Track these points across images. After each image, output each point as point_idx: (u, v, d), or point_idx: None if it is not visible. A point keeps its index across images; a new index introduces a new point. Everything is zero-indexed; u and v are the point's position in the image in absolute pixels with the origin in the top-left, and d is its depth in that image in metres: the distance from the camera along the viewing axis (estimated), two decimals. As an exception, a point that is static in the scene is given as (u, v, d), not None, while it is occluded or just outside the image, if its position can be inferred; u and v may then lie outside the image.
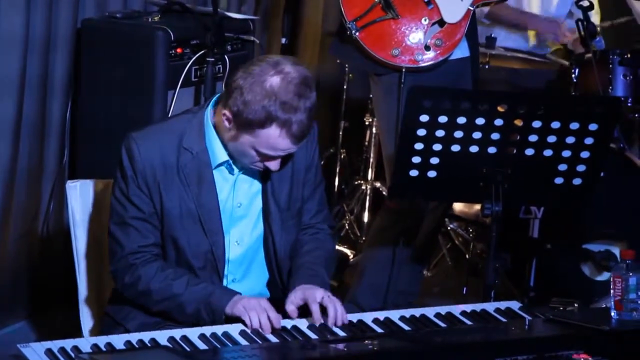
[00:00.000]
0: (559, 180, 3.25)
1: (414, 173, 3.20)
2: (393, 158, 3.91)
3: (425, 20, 3.80)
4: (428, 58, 3.80)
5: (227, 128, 2.76)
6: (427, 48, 3.80)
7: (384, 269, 4.05)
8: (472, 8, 3.83)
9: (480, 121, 3.12)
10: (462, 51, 3.93)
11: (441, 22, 3.81)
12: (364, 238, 5.07)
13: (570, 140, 3.18)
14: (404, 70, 3.80)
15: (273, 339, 2.62)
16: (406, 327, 2.72)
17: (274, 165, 2.79)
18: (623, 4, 4.92)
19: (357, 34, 3.78)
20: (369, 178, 5.28)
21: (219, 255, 2.85)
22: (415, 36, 3.79)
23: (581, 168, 3.23)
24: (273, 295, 2.94)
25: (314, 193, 2.99)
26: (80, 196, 3.04)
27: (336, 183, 5.39)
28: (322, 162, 4.27)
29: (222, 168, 2.85)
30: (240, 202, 2.88)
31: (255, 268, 2.94)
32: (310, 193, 2.98)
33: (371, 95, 5.10)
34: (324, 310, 2.71)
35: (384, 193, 5.14)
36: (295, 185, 2.92)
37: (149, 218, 2.82)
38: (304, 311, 2.74)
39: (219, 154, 2.83)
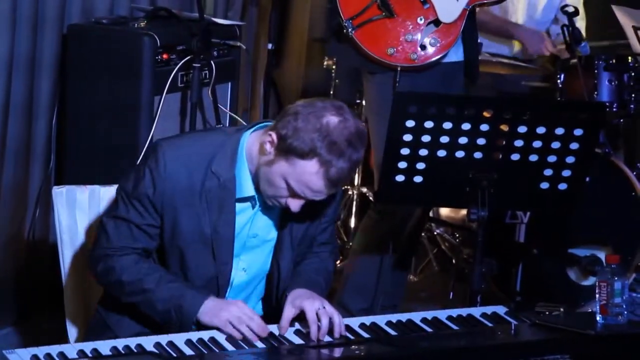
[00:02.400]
0: (544, 185, 3.26)
1: (400, 178, 3.20)
2: (380, 161, 3.93)
3: (421, 19, 3.81)
4: (423, 57, 3.81)
5: (267, 152, 2.67)
6: (423, 47, 3.81)
7: (371, 269, 4.05)
8: (467, 8, 3.84)
9: (466, 126, 3.13)
10: (456, 55, 3.94)
11: (437, 22, 3.82)
12: (351, 243, 5.07)
13: (555, 145, 3.19)
14: (399, 69, 3.81)
15: (260, 344, 2.62)
16: (393, 332, 2.72)
17: (295, 205, 2.68)
18: (612, 24, 4.93)
19: (353, 32, 3.79)
20: (356, 183, 5.29)
21: (222, 283, 2.80)
22: (411, 35, 3.80)
23: (567, 173, 3.24)
24: (266, 311, 2.92)
25: (326, 229, 2.94)
26: (66, 202, 3.03)
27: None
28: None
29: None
30: (256, 233, 2.82)
31: (256, 293, 2.91)
32: (323, 228, 2.92)
33: (359, 101, 5.12)
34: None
35: (371, 198, 5.15)
36: (312, 225, 2.87)
37: (145, 227, 2.76)
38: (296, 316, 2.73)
39: (246, 187, 2.75)
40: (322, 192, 2.67)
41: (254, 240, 2.83)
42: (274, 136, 2.66)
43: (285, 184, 2.66)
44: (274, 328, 2.70)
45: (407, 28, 3.81)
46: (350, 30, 3.79)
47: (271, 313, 2.84)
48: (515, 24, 5.05)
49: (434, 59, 3.83)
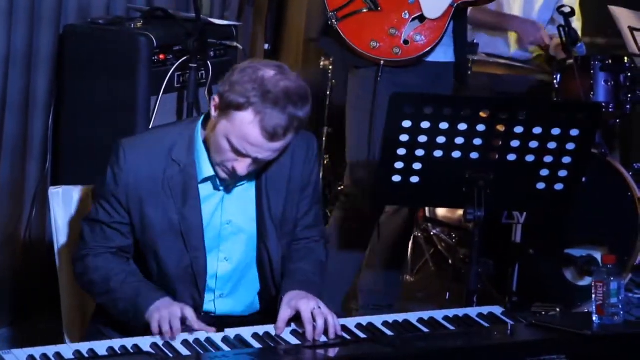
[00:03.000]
0: (541, 186, 3.27)
1: (396, 178, 3.20)
2: (357, 155, 3.90)
3: (405, 14, 3.80)
4: (406, 52, 3.80)
5: (212, 117, 2.69)
6: (406, 42, 3.80)
7: (341, 269, 4.01)
8: (453, 6, 3.83)
9: (462, 127, 3.13)
10: (445, 55, 3.93)
11: (421, 18, 3.82)
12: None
13: (552, 145, 3.19)
14: (382, 63, 3.79)
15: (256, 344, 2.62)
16: (389, 332, 2.72)
17: (241, 167, 2.67)
18: (607, 22, 4.94)
19: (337, 24, 3.78)
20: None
21: (198, 271, 2.80)
22: (395, 29, 3.80)
23: (563, 173, 3.25)
24: (264, 306, 2.91)
25: (309, 210, 2.93)
26: (62, 202, 3.03)
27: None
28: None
29: (208, 183, 2.79)
30: (229, 220, 2.82)
31: (245, 282, 2.89)
32: (306, 210, 2.91)
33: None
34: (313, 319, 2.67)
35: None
36: (289, 205, 2.86)
37: (115, 225, 2.78)
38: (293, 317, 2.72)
39: (205, 168, 2.76)
40: (262, 147, 2.63)
41: (229, 228, 2.82)
42: (216, 98, 2.67)
43: (228, 143, 2.65)
44: (270, 328, 2.70)
45: (392, 22, 3.80)
46: (334, 21, 3.78)
47: (269, 309, 2.83)
48: (510, 16, 5.02)
49: (416, 54, 3.81)
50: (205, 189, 2.80)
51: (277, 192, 2.83)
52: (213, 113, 2.69)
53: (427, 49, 3.82)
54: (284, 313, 2.70)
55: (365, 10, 3.80)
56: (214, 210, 2.81)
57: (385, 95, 3.77)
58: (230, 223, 2.83)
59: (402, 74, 3.83)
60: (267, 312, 2.85)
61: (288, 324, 2.70)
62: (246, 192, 2.83)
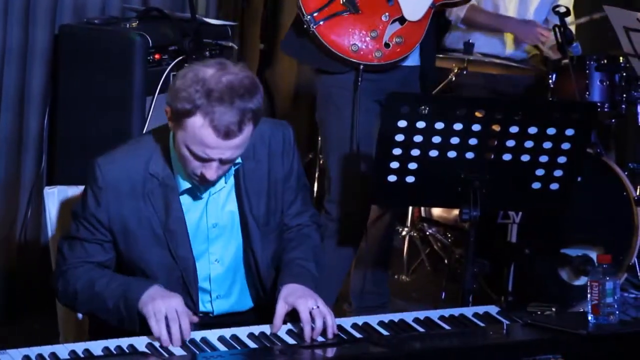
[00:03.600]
0: (536, 185, 3.27)
1: (392, 178, 3.21)
2: (340, 160, 3.87)
3: (385, 16, 3.76)
4: (387, 55, 3.77)
5: (171, 130, 2.66)
6: (387, 45, 3.76)
7: (332, 269, 3.99)
8: (433, 7, 3.80)
9: (458, 126, 3.13)
10: (412, 59, 3.88)
11: (402, 20, 3.77)
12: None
13: (547, 145, 3.20)
14: (361, 68, 3.75)
15: (252, 344, 2.62)
16: (385, 332, 2.72)
17: (209, 173, 2.62)
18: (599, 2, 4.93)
19: (315, 27, 3.72)
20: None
21: (189, 280, 2.78)
22: (376, 32, 3.75)
23: (558, 173, 3.25)
24: (257, 304, 2.90)
25: (295, 198, 2.91)
26: (57, 202, 3.03)
27: (315, 189, 5.40)
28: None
29: (190, 192, 2.77)
30: (215, 223, 2.80)
31: (238, 282, 2.88)
32: (292, 199, 2.90)
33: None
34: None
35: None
36: (272, 199, 2.84)
37: (96, 241, 2.76)
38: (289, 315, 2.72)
39: (182, 180, 2.74)
40: (220, 147, 2.58)
41: (216, 230, 2.81)
42: (167, 110, 2.64)
43: (189, 152, 2.61)
44: (266, 328, 2.69)
45: (372, 25, 3.74)
46: (312, 25, 3.70)
47: (263, 306, 2.83)
48: (504, 17, 5.01)
49: (397, 58, 3.77)
50: (187, 198, 2.78)
51: (257, 190, 2.80)
52: (170, 126, 2.66)
53: (409, 52, 3.78)
54: (281, 309, 2.69)
55: (344, 13, 3.73)
56: (199, 217, 2.79)
57: (364, 100, 3.76)
58: (216, 226, 2.81)
59: (376, 78, 3.78)
60: (260, 310, 2.84)
61: (285, 322, 2.70)
62: (228, 193, 2.81)
